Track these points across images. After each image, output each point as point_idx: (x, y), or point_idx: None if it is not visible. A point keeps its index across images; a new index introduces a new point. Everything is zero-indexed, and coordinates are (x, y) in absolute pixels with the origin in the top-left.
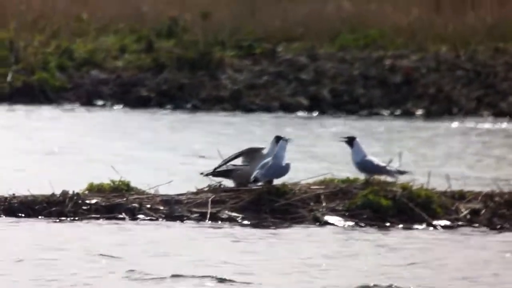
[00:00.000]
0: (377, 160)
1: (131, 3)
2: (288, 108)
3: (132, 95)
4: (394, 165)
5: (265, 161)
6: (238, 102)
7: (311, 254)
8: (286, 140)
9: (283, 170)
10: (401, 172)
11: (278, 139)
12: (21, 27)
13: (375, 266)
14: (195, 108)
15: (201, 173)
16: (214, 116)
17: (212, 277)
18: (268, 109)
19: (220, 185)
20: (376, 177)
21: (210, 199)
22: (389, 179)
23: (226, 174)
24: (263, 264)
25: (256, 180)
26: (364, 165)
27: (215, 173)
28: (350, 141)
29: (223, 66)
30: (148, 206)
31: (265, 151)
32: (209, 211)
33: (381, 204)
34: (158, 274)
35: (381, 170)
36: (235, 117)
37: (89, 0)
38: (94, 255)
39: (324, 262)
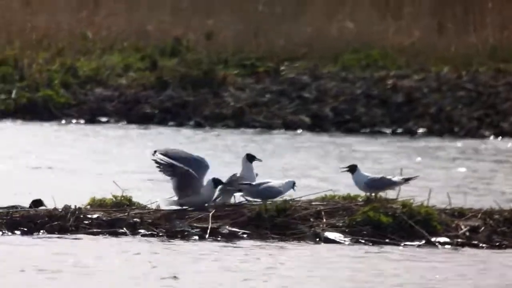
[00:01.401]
0: (381, 176)
1: (136, 23)
2: (291, 126)
3: (135, 112)
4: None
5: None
6: (240, 119)
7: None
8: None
9: (274, 192)
10: (407, 179)
11: (249, 157)
12: (26, 45)
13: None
14: (198, 125)
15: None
16: (218, 132)
17: None
18: (270, 127)
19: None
20: (379, 194)
21: (210, 214)
22: (392, 191)
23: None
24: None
25: (240, 190)
26: (371, 183)
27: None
28: (352, 169)
29: (226, 84)
30: (149, 221)
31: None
32: (209, 226)
33: (381, 221)
34: None
35: (388, 183)
36: (237, 135)
37: (94, 19)
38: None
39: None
